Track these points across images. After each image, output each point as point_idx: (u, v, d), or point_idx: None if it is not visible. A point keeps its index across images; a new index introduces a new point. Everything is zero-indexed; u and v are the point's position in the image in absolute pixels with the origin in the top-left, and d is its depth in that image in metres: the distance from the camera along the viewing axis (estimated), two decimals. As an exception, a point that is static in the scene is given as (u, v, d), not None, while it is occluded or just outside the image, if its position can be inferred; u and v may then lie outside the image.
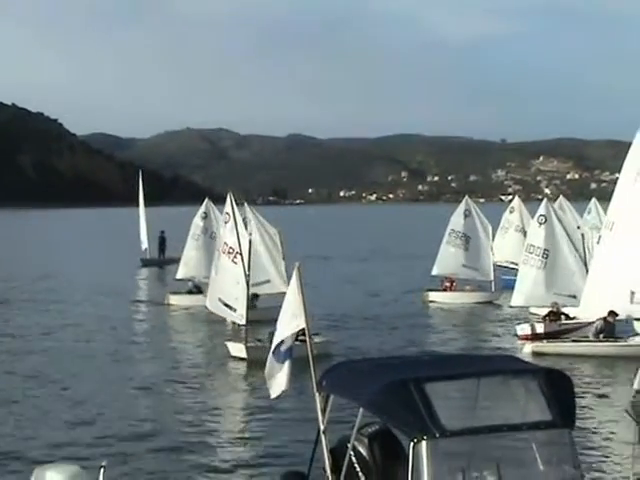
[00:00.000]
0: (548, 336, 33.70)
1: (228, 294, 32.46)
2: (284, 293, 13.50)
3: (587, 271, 35.86)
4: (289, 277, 13.77)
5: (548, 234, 37.87)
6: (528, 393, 10.72)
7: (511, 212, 54.03)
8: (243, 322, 31.72)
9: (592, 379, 28.00)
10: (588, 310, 32.38)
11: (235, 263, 32.23)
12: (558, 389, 10.75)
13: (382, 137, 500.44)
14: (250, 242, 33.39)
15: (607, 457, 19.36)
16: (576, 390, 24.23)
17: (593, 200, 53.06)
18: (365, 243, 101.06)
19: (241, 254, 32.13)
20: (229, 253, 32.46)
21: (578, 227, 40.10)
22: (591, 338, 31.44)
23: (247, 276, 32.10)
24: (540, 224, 38.46)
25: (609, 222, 32.71)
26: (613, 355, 29.69)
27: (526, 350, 31.65)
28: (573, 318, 35.54)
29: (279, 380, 13.28)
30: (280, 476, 12.34)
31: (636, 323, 32.14)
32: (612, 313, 31.30)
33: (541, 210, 38.83)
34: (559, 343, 32.13)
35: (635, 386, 13.00)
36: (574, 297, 35.98)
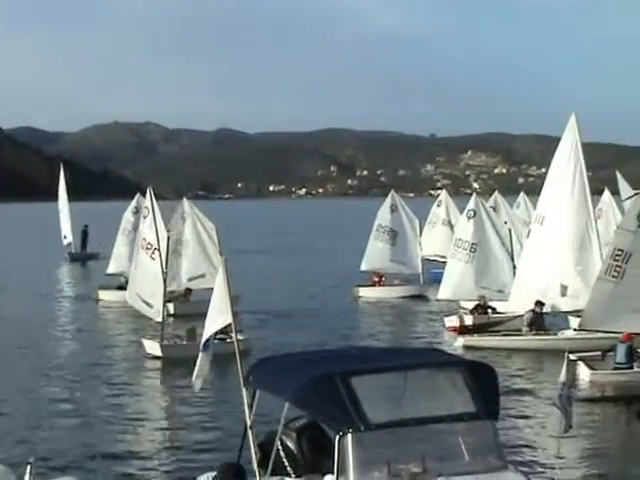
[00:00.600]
0: (476, 328, 34.05)
1: (146, 290, 32.17)
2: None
3: (514, 266, 36.45)
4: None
5: (477, 229, 38.23)
6: (453, 385, 10.86)
7: (438, 206, 54.48)
8: (159, 319, 31.38)
9: (523, 372, 28.26)
10: (517, 303, 32.69)
11: (153, 259, 31.92)
12: (482, 381, 10.89)
13: (311, 132, 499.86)
14: (168, 238, 33.14)
15: (534, 447, 19.61)
16: (506, 383, 24.72)
17: (522, 194, 53.56)
18: (294, 238, 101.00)
19: (159, 250, 31.89)
20: (147, 249, 32.14)
21: (505, 222, 40.52)
22: (523, 330, 31.75)
23: (164, 273, 31.77)
24: (469, 218, 38.80)
25: (539, 216, 33.00)
26: (544, 349, 29.96)
27: (458, 344, 31.88)
28: (499, 312, 36.11)
29: (202, 373, 13.34)
30: (216, 468, 12.26)
31: (572, 317, 32.42)
32: (539, 303, 31.63)
33: (470, 205, 39.16)
34: (490, 337, 32.31)
35: (561, 379, 13.20)
36: (501, 291, 36.58)
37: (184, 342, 29.76)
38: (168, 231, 33.79)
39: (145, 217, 33.17)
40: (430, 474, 10.19)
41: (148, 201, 33.02)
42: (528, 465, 17.26)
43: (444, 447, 10.83)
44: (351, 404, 10.22)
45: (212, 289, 13.82)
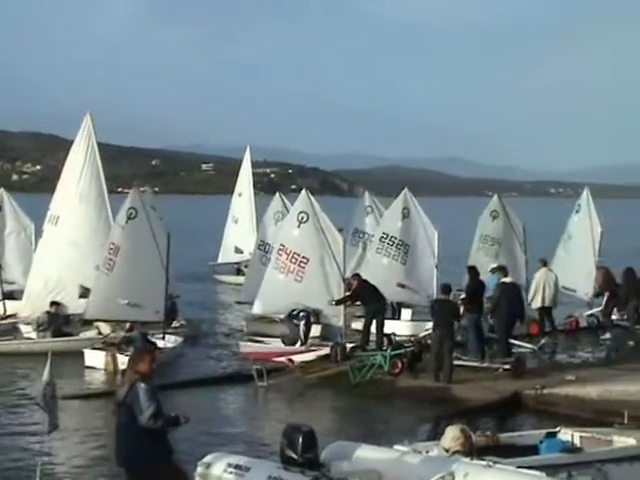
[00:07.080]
0: None
1: None
2: None
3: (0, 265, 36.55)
4: None
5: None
6: None
7: None
8: None
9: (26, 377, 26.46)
10: (32, 306, 31.75)
11: None
12: None
13: None
14: None
15: (26, 449, 18.64)
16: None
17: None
18: None
19: None
20: None
21: None
22: (37, 333, 30.75)
23: None
24: None
25: (53, 216, 32.46)
26: (64, 351, 26.85)
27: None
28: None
29: None
30: None
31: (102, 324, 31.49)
32: (54, 304, 31.19)
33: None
34: (9, 342, 31.04)
35: (45, 378, 12.82)
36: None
37: None
38: None
39: None
40: None
41: None
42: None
43: None
44: None
45: None
